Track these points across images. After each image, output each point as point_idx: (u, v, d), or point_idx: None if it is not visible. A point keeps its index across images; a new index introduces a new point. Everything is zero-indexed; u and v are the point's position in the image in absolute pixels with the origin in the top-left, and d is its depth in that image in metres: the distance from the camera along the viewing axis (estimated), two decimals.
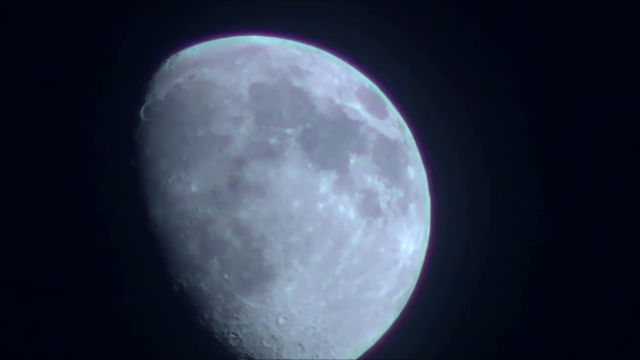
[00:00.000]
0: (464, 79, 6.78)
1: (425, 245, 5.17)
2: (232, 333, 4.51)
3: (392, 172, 4.75)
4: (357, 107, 4.78)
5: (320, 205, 4.41)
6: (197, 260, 4.35)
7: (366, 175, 4.59)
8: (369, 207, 4.57)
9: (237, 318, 4.45)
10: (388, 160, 4.75)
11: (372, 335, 5.03)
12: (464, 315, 6.53)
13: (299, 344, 4.63)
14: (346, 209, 4.48)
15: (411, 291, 5.15)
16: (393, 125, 4.98)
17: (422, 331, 6.19)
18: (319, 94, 4.66)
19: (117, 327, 4.74)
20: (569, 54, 6.67)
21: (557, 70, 6.71)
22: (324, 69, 4.89)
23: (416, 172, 5.02)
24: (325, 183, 4.44)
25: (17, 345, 5.53)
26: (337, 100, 4.71)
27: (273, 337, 4.55)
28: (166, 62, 4.88)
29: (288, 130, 4.45)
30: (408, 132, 5.19)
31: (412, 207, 4.87)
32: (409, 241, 4.86)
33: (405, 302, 5.15)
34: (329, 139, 4.53)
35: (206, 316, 4.46)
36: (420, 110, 5.83)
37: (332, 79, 4.83)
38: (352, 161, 4.55)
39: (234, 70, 4.64)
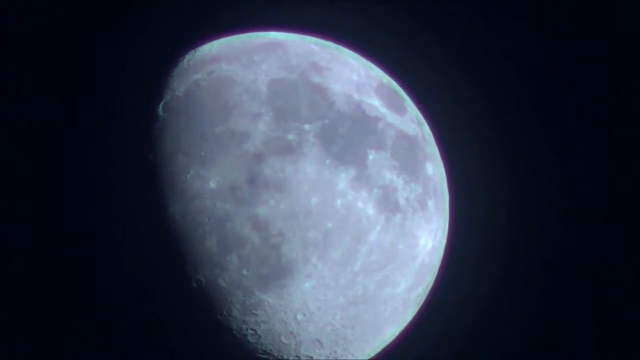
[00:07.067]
0: (482, 75, 6.75)
1: (444, 241, 5.15)
2: (251, 329, 4.52)
3: (411, 168, 4.73)
4: (375, 103, 4.76)
5: (339, 201, 4.40)
6: (216, 256, 4.36)
7: (385, 171, 4.58)
8: (388, 203, 4.56)
9: (255, 314, 4.46)
10: (406, 156, 4.73)
11: (390, 331, 5.03)
12: (483, 311, 6.51)
13: (318, 340, 4.63)
14: (365, 205, 4.47)
15: (430, 287, 5.14)
16: (411, 121, 4.96)
17: (440, 327, 6.18)
18: (338, 90, 4.65)
19: (136, 323, 4.76)
20: (588, 50, 6.62)
21: (577, 65, 6.66)
22: (343, 65, 4.87)
23: (435, 168, 5.00)
24: (343, 179, 4.43)
25: (29, 343, 5.57)
26: (356, 96, 4.70)
27: (291, 333, 4.55)
28: (185, 58, 4.89)
29: (306, 126, 4.45)
30: (426, 128, 5.17)
31: (430, 203, 4.86)
32: (428, 237, 4.85)
33: (424, 298, 5.14)
34: (348, 135, 4.52)
35: (225, 312, 4.47)
36: (439, 106, 5.80)
37: (350, 75, 4.82)
38: (370, 157, 4.54)
39: (252, 66, 4.64)
